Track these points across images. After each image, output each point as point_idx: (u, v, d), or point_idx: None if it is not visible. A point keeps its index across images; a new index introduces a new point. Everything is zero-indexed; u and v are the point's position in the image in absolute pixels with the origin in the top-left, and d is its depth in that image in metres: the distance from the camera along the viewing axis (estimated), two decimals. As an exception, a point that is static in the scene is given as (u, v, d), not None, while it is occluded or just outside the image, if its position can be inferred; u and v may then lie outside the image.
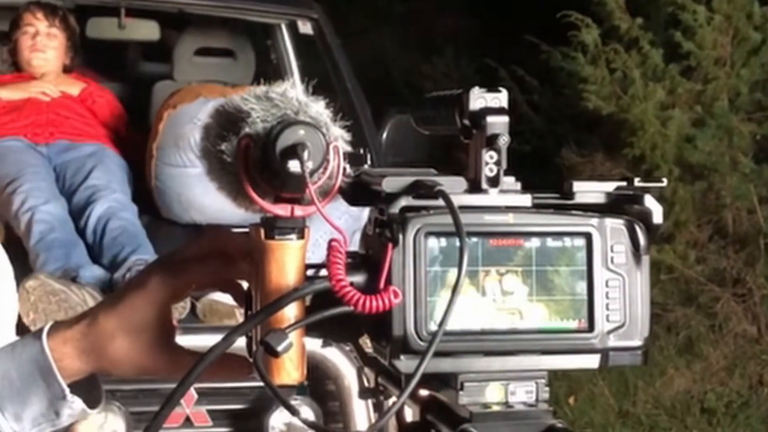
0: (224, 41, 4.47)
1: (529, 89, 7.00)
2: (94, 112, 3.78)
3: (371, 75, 8.46)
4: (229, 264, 1.02)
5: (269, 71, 4.53)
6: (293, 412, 0.90)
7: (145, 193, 3.46)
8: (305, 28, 4.26)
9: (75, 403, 1.02)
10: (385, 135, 3.93)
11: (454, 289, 0.83)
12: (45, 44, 3.78)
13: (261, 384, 2.75)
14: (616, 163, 5.92)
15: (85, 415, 1.05)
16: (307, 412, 2.69)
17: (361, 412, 2.67)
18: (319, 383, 2.73)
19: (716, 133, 5.52)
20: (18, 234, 3.10)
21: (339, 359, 2.64)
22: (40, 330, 1.04)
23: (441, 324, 0.84)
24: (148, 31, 4.48)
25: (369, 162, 0.97)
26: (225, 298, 2.71)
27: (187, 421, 2.67)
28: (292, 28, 4.35)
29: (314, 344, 2.81)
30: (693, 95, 5.69)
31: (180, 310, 2.66)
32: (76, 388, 1.03)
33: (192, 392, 2.66)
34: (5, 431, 1.01)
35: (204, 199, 3.15)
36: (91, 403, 1.04)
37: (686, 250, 5.55)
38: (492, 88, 0.94)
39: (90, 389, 1.05)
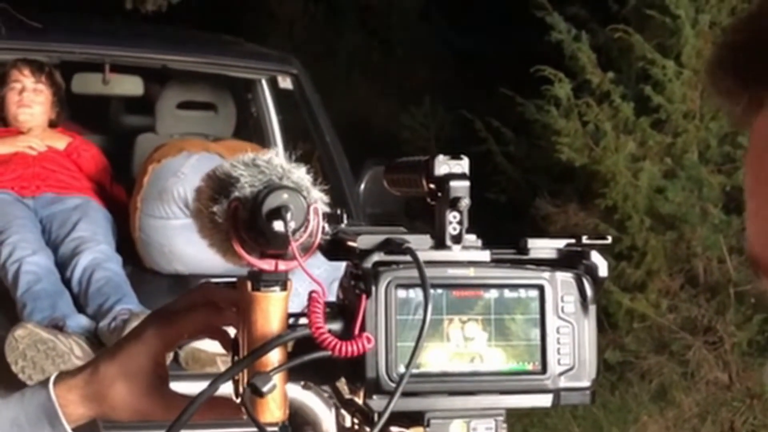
0: (206, 95, 4.57)
1: (505, 140, 7.11)
2: (80, 166, 3.87)
3: (349, 124, 8.59)
4: (217, 313, 1.11)
5: (250, 124, 4.65)
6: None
7: (130, 244, 3.54)
8: (285, 83, 4.39)
9: None
10: (363, 186, 4.04)
11: (419, 335, 0.93)
12: (31, 100, 3.88)
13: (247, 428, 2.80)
14: (589, 213, 6.03)
15: None
16: (288, 457, 2.76)
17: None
18: (298, 428, 2.81)
19: (686, 184, 5.64)
20: (6, 284, 3.17)
21: (317, 404, 2.72)
22: (47, 379, 1.14)
23: (408, 366, 0.94)
24: (131, 86, 4.59)
25: (345, 220, 1.06)
26: (207, 346, 2.79)
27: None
28: (273, 83, 4.47)
29: (295, 390, 2.90)
30: (663, 147, 5.81)
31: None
32: None
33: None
34: None
35: (187, 249, 3.25)
36: None
37: (658, 299, 5.66)
38: (454, 155, 1.05)
39: None
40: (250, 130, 4.63)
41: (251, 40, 5.22)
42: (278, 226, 0.96)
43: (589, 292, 1.03)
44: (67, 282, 3.24)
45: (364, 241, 0.99)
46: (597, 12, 6.75)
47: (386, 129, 9.15)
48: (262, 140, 4.48)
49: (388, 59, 11.06)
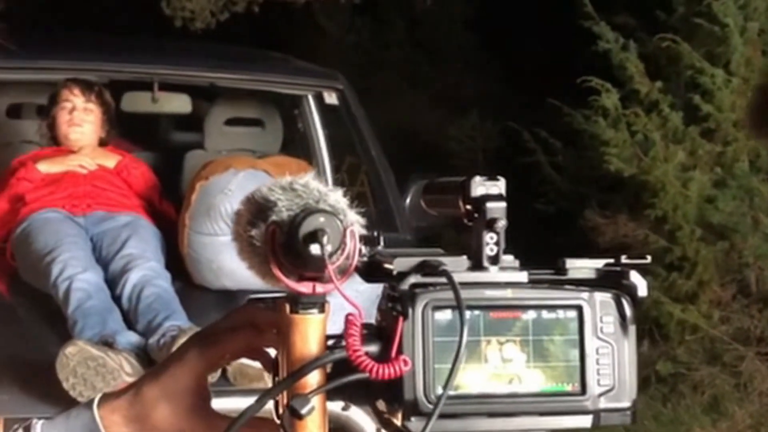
0: (253, 112, 4.62)
1: (553, 151, 7.08)
2: (130, 184, 3.92)
3: (397, 137, 8.61)
4: (258, 335, 1.12)
5: (297, 140, 4.68)
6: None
7: (179, 261, 3.58)
8: (331, 98, 4.41)
9: None
10: (408, 200, 4.05)
11: (456, 357, 0.93)
12: (82, 119, 3.93)
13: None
14: (639, 224, 5.98)
15: None
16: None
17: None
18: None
19: (737, 193, 5.58)
20: (57, 302, 3.22)
21: (364, 421, 2.73)
22: (92, 400, 1.15)
23: (445, 388, 0.94)
24: (180, 104, 4.64)
25: (382, 243, 1.08)
26: (255, 362, 2.80)
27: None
28: (318, 99, 4.50)
29: (362, 418, 2.89)
30: (713, 157, 5.76)
31: (211, 374, 2.76)
32: None
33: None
34: None
35: (234, 265, 3.25)
36: None
37: (710, 310, 5.60)
38: (491, 177, 1.05)
39: None
40: (297, 146, 4.66)
41: (299, 55, 5.26)
42: (315, 249, 0.97)
43: (628, 312, 1.02)
44: (117, 299, 3.28)
45: (400, 264, 1.00)
46: (644, 21, 6.70)
47: (434, 141, 9.16)
48: (309, 155, 4.51)
49: (435, 71, 11.07)
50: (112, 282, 3.35)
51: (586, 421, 1.01)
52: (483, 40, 10.68)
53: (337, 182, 5.33)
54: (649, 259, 1.06)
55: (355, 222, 1.02)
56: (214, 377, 2.78)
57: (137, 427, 1.13)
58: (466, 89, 10.42)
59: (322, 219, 0.98)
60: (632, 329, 1.02)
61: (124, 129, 4.39)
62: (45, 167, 3.82)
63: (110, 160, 3.96)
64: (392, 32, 11.51)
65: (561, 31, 8.44)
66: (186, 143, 4.77)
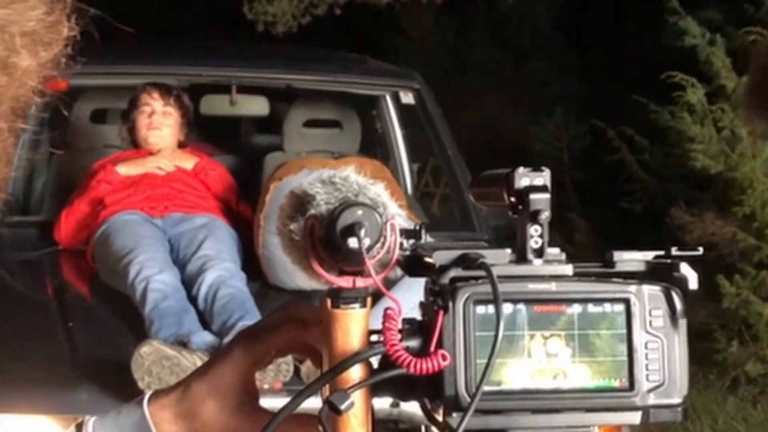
0: (331, 113, 4.63)
1: (639, 149, 6.99)
2: (207, 185, 3.96)
3: (481, 137, 8.57)
4: (304, 330, 1.12)
5: (374, 140, 4.68)
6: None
7: (254, 262, 3.60)
8: (407, 98, 4.41)
9: None
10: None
11: (492, 350, 0.91)
12: (161, 122, 3.99)
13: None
14: (726, 221, 5.85)
15: None
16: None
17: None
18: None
19: (827, 189, 5.44)
20: (134, 302, 3.26)
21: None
22: (142, 397, 1.16)
23: (480, 382, 0.92)
24: (257, 106, 4.68)
25: (424, 236, 1.06)
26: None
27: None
28: (395, 99, 4.50)
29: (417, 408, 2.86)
30: (803, 152, 5.62)
31: (284, 373, 2.77)
32: None
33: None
34: None
35: (308, 267, 3.26)
36: None
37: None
38: (535, 168, 1.02)
39: None
40: (375, 147, 4.66)
41: (382, 57, 5.27)
42: (353, 242, 0.95)
43: (678, 305, 0.99)
44: (193, 299, 3.31)
45: (440, 257, 0.98)
46: (732, 15, 6.57)
47: (519, 141, 9.10)
48: (387, 155, 4.51)
49: (519, 71, 11.00)
50: (189, 282, 3.38)
51: (634, 417, 0.98)
52: (567, 38, 10.59)
53: (419, 184, 5.33)
54: (700, 250, 1.02)
55: (395, 215, 1.00)
56: (286, 376, 2.79)
57: (186, 424, 1.13)
58: (550, 88, 10.34)
59: (360, 212, 0.97)
60: (683, 323, 0.99)
61: (203, 132, 4.44)
62: (124, 169, 3.88)
63: (188, 162, 4.01)
64: (476, 32, 11.47)
65: (646, 26, 8.32)
66: (265, 146, 4.81)
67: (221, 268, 3.37)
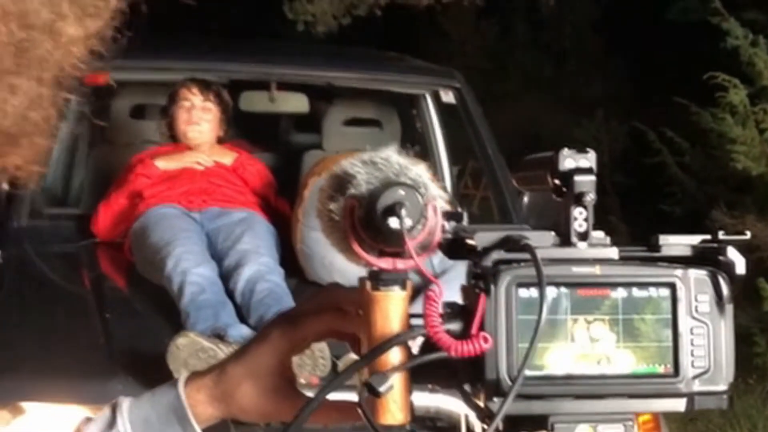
0: (371, 112, 4.62)
1: (680, 151, 6.93)
2: (245, 181, 3.96)
3: (521, 139, 8.52)
4: (342, 316, 1.10)
5: (414, 139, 4.66)
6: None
7: (292, 257, 3.60)
8: (448, 97, 4.38)
9: None
10: (526, 198, 3.99)
11: (534, 334, 0.89)
12: (200, 117, 3.99)
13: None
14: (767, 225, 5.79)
15: None
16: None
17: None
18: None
19: None
20: (170, 295, 3.27)
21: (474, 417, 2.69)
22: (178, 379, 1.15)
23: (521, 367, 0.90)
24: (297, 103, 4.68)
25: (465, 219, 1.05)
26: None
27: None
28: (436, 98, 4.48)
29: (452, 404, 2.85)
30: None
31: (321, 368, 2.76)
32: None
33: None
34: None
35: (346, 262, 3.25)
36: None
37: None
38: (580, 149, 1.00)
39: None
40: (415, 146, 4.64)
41: (422, 59, 5.25)
42: (393, 223, 0.94)
43: (725, 290, 0.96)
44: (230, 293, 3.31)
45: (482, 239, 0.96)
46: (775, 16, 6.49)
47: (559, 143, 9.03)
48: (426, 154, 4.49)
49: (560, 73, 10.95)
50: (226, 276, 3.38)
51: (679, 404, 0.96)
52: (608, 40, 10.52)
53: (459, 185, 5.30)
54: (748, 234, 1.00)
55: (437, 197, 0.99)
56: (323, 371, 2.78)
57: (222, 406, 1.12)
58: (591, 90, 10.28)
59: (401, 192, 0.95)
60: (729, 309, 0.96)
61: (242, 129, 4.44)
62: (163, 164, 3.89)
63: (227, 157, 4.01)
64: (516, 34, 11.43)
65: (688, 28, 8.25)
66: (304, 144, 4.81)
67: (259, 263, 3.37)
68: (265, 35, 8.35)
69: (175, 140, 4.06)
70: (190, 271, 3.24)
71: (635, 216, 7.47)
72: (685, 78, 6.69)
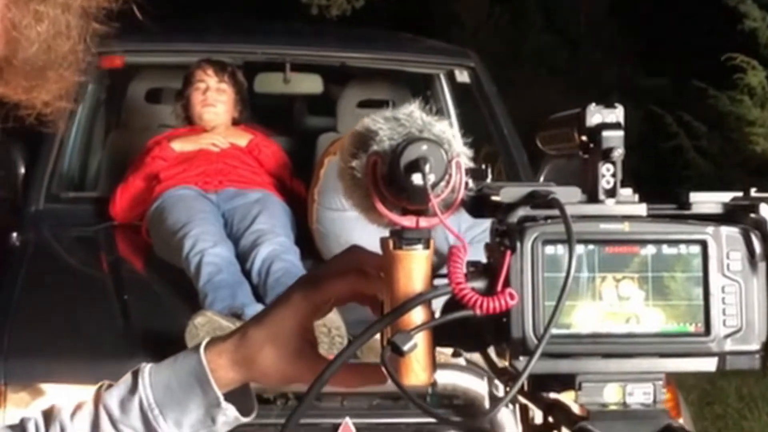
0: (385, 93, 4.60)
1: (697, 134, 6.89)
2: (261, 162, 3.95)
3: (534, 124, 8.48)
4: (364, 279, 1.09)
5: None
6: (423, 409, 0.95)
7: (308, 237, 3.58)
8: (462, 76, 4.36)
9: (229, 411, 1.11)
10: (542, 179, 3.96)
11: (562, 291, 0.87)
12: (215, 99, 3.99)
13: (417, 420, 2.81)
14: (787, 207, 5.74)
15: (238, 422, 1.14)
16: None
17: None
18: (473, 420, 2.76)
19: None
20: (188, 275, 3.26)
21: (470, 381, 2.68)
22: (199, 344, 1.14)
23: (548, 324, 0.88)
24: (311, 84, 4.66)
25: (490, 177, 1.04)
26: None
27: (346, 456, 2.74)
28: (450, 78, 4.45)
29: (470, 381, 2.83)
30: None
31: (338, 345, 2.75)
32: (231, 397, 1.11)
33: (351, 427, 2.73)
34: None
35: (362, 241, 3.23)
36: (245, 412, 1.13)
37: None
38: (608, 105, 0.98)
39: (243, 399, 1.13)
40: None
41: (436, 44, 5.21)
42: (417, 179, 0.92)
43: (757, 248, 0.94)
44: (247, 273, 3.30)
45: (508, 194, 0.94)
46: (793, -3, 6.43)
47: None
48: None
49: (574, 58, 10.91)
50: (243, 256, 3.37)
51: (710, 364, 0.94)
52: (623, 24, 10.47)
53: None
54: (781, 190, 0.98)
55: (461, 153, 0.97)
56: (340, 349, 2.77)
57: (243, 371, 1.11)
58: (605, 75, 10.23)
59: (424, 147, 0.93)
60: (762, 267, 0.94)
61: (257, 112, 4.43)
62: (179, 146, 3.88)
63: (242, 138, 4.00)
64: (530, 20, 11.39)
65: (703, 11, 8.19)
66: (319, 127, 4.80)
67: (275, 243, 3.36)
68: (279, 19, 8.36)
69: (190, 122, 4.05)
70: (207, 251, 3.24)
71: (652, 200, 7.43)
72: (701, 61, 6.64)
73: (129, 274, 3.50)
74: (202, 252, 3.23)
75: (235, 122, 4.09)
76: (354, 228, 3.28)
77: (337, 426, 2.74)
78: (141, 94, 4.63)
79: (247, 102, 4.13)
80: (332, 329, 2.70)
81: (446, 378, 2.67)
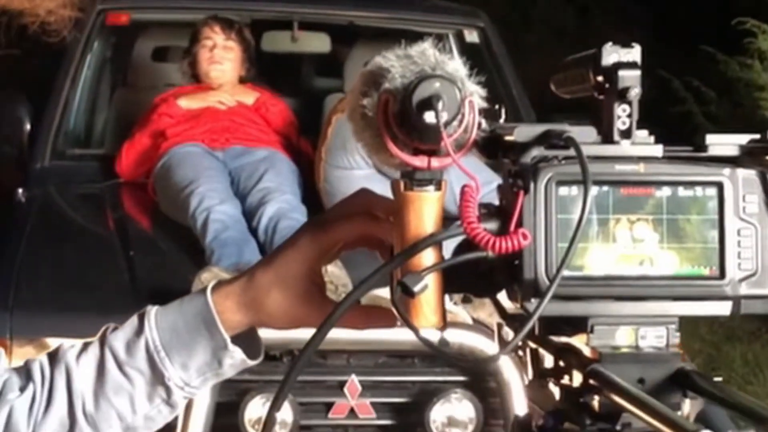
0: (394, 53, 4.55)
1: (706, 100, 6.85)
2: (268, 120, 3.93)
3: (544, 89, 8.44)
4: (374, 223, 1.07)
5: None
6: (434, 348, 0.94)
7: (314, 195, 3.57)
8: (471, 36, 4.33)
9: (236, 353, 1.10)
10: (551, 141, 3.94)
11: (575, 231, 0.86)
12: (222, 56, 3.96)
13: (422, 378, 2.81)
14: (795, 173, 5.71)
15: (245, 365, 1.13)
16: (468, 407, 2.72)
17: (521, 409, 2.68)
18: (479, 380, 2.77)
19: None
20: (194, 232, 3.25)
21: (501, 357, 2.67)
22: (206, 287, 1.13)
23: (561, 265, 0.87)
24: (319, 43, 4.63)
25: (504, 117, 1.02)
26: (388, 294, 2.76)
27: (352, 413, 2.74)
28: (459, 38, 4.42)
29: (477, 340, 2.82)
30: None
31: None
32: (238, 341, 1.10)
33: (357, 384, 2.73)
34: (174, 379, 1.10)
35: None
36: (252, 355, 1.12)
37: None
38: (624, 44, 0.96)
39: (250, 343, 1.12)
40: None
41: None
42: (429, 117, 0.90)
43: (774, 190, 0.93)
44: (253, 231, 3.29)
45: (522, 133, 0.92)
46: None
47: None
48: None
49: (583, 23, 10.84)
50: (249, 214, 3.36)
51: (724, 308, 0.92)
52: (632, -11, 10.39)
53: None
54: (800, 133, 0.96)
55: (474, 92, 0.95)
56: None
57: (250, 313, 1.10)
58: (614, 40, 10.15)
59: (437, 84, 0.91)
60: (778, 210, 0.93)
61: (264, 71, 4.40)
62: (185, 103, 3.87)
63: (249, 97, 3.98)
64: (540, -14, 11.30)
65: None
66: (326, 87, 4.77)
67: (282, 201, 3.35)
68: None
69: (197, 80, 4.03)
70: (214, 208, 3.23)
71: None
72: (711, 27, 6.59)
73: (135, 231, 3.49)
74: (209, 209, 3.22)
75: (242, 80, 4.07)
76: (361, 186, 3.26)
77: (343, 383, 2.74)
78: (147, 53, 4.61)
79: (254, 60, 4.11)
80: (339, 286, 2.69)
81: (453, 337, 2.67)
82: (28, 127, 3.94)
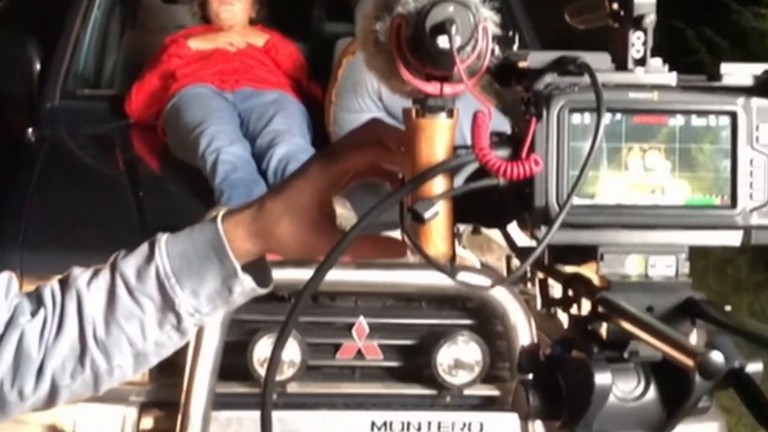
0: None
1: (718, 51, 6.78)
2: (278, 62, 3.91)
3: (555, 40, 8.38)
4: (385, 153, 1.07)
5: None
6: (442, 271, 0.94)
7: (324, 138, 3.56)
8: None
9: (246, 281, 1.10)
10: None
11: (587, 158, 0.86)
12: (233, -3, 3.95)
13: (430, 321, 2.81)
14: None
15: (255, 293, 1.13)
16: (474, 350, 2.73)
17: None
18: (486, 323, 2.78)
19: None
20: (204, 173, 3.25)
21: (506, 299, 2.67)
22: (216, 215, 1.13)
23: (571, 192, 0.86)
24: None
25: (517, 44, 1.01)
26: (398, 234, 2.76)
27: (359, 354, 2.76)
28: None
29: (485, 283, 2.80)
30: None
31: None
32: (248, 269, 1.10)
33: (364, 326, 2.74)
34: (184, 306, 1.10)
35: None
36: (261, 284, 1.12)
37: None
38: (641, -29, 0.95)
39: (260, 272, 1.13)
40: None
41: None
42: (443, 41, 0.89)
43: (789, 120, 0.92)
44: (263, 173, 3.29)
45: (535, 59, 0.92)
46: None
47: (593, 46, 8.89)
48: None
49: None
50: (259, 156, 3.36)
51: (735, 237, 0.92)
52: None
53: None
54: (817, 63, 0.95)
55: (488, 18, 0.94)
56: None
57: (260, 242, 1.10)
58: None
59: (451, 8, 0.90)
60: (793, 140, 0.92)
61: (275, 13, 4.36)
62: (195, 44, 3.85)
63: (259, 38, 3.96)
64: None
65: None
66: (337, 32, 4.71)
67: (291, 143, 3.34)
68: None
69: (207, 21, 4.01)
70: (224, 149, 3.22)
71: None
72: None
73: (144, 172, 3.50)
74: (219, 150, 3.21)
75: (252, 22, 4.05)
76: (371, 129, 3.26)
77: (350, 325, 2.75)
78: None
79: (264, 1, 4.08)
80: (347, 227, 2.69)
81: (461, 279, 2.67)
82: (38, 67, 3.93)
